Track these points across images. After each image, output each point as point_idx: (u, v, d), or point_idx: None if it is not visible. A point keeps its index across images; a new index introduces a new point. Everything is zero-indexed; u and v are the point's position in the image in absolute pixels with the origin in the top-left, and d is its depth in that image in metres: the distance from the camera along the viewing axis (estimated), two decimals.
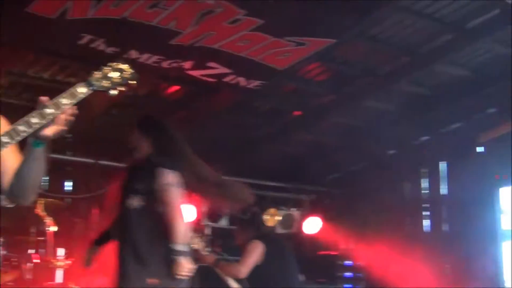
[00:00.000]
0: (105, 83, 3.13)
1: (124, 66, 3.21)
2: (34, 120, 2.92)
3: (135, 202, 4.98)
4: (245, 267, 6.43)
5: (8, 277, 7.17)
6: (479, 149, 8.95)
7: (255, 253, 6.48)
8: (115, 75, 3.15)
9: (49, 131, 2.98)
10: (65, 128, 3.00)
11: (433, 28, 6.78)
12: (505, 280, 8.93)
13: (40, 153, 3.06)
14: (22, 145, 3.02)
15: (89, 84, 3.07)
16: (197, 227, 9.06)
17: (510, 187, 9.22)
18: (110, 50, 6.48)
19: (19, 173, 3.09)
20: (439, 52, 7.19)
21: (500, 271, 8.67)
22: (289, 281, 6.65)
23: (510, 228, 10.15)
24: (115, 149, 8.50)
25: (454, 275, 8.89)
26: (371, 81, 7.93)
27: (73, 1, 5.70)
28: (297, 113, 8.99)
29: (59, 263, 7.54)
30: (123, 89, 3.20)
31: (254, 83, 7.45)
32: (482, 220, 8.64)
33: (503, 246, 8.85)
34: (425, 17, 6.55)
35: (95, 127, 8.46)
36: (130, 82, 3.19)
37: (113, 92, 3.17)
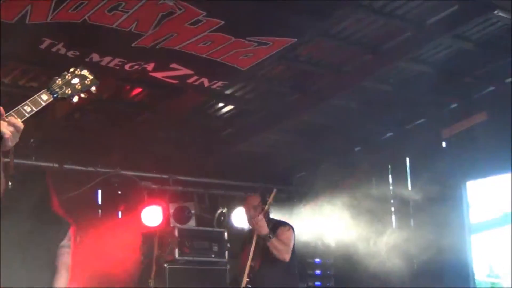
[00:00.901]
0: (67, 91, 3.10)
1: (85, 72, 3.18)
2: None
3: None
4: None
5: None
6: (444, 144, 9.02)
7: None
8: (76, 81, 3.12)
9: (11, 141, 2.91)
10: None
11: (394, 25, 6.82)
12: (474, 273, 9.02)
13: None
14: None
15: (51, 92, 3.03)
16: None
17: (476, 181, 9.32)
18: (71, 54, 6.41)
19: None
20: (401, 49, 7.24)
21: (469, 265, 8.75)
22: None
23: (478, 222, 10.27)
24: (79, 153, 8.45)
25: (423, 270, 8.96)
26: (334, 79, 7.95)
27: (32, 5, 5.63)
28: (261, 112, 8.98)
29: None
30: (84, 96, 3.17)
31: (217, 84, 7.43)
32: (450, 215, 8.71)
33: (471, 239, 8.94)
34: (386, 15, 6.60)
35: (58, 131, 8.38)
36: (91, 89, 3.17)
37: (75, 99, 3.14)
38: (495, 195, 11.30)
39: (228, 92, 8.13)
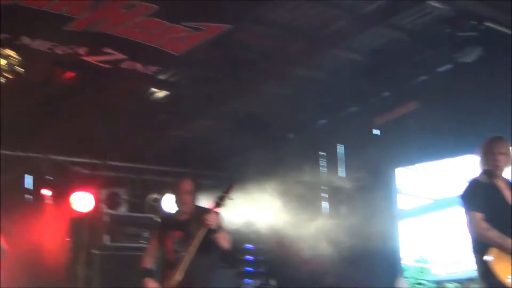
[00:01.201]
0: None
1: (11, 53, 3.09)
2: None
3: None
4: None
5: None
6: (375, 132, 9.12)
7: None
8: (2, 62, 3.04)
9: None
10: None
11: (328, 13, 6.84)
12: (402, 258, 9.19)
13: None
14: None
15: None
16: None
17: (405, 168, 9.48)
18: (1, 36, 6.23)
19: None
20: (336, 37, 7.27)
21: (397, 250, 8.90)
22: None
23: (406, 208, 10.45)
24: (8, 137, 8.25)
25: (352, 256, 9.06)
26: (269, 66, 7.94)
27: None
28: (196, 98, 8.92)
29: None
30: (10, 76, 3.08)
31: (152, 69, 7.36)
32: (379, 201, 8.83)
33: (399, 225, 9.09)
34: (322, 3, 6.60)
35: None
36: (17, 69, 3.08)
37: (1, 79, 3.06)
38: (424, 182, 11.54)
39: (162, 77, 8.04)
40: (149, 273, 6.27)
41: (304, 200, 9.43)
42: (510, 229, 5.45)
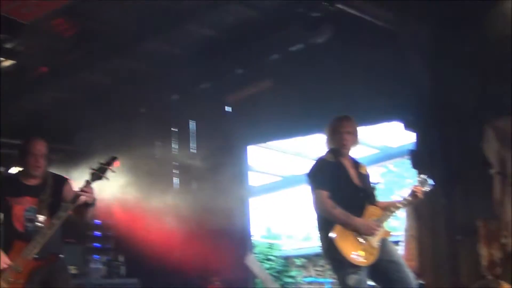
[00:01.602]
0: None
1: None
2: None
3: None
4: None
5: None
6: (228, 109, 9.14)
7: None
8: None
9: None
10: None
11: None
12: (252, 234, 9.29)
13: None
14: None
15: None
16: None
17: (257, 146, 9.57)
18: None
19: None
20: (189, 12, 7.18)
21: (247, 226, 8.99)
22: None
23: (256, 185, 10.57)
24: None
25: (204, 231, 9.08)
26: (121, 40, 7.75)
27: None
28: (43, 69, 8.58)
29: None
30: None
31: None
32: (230, 178, 8.87)
33: (250, 202, 9.19)
34: None
35: None
36: None
37: None
38: (274, 160, 11.70)
39: (9, 46, 7.65)
40: None
41: (155, 175, 9.34)
42: (354, 207, 5.60)
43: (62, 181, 5.79)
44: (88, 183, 5.39)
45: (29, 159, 5.64)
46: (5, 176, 5.76)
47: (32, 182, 5.70)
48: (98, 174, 5.42)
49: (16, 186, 5.70)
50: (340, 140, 5.81)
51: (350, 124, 5.90)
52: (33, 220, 5.55)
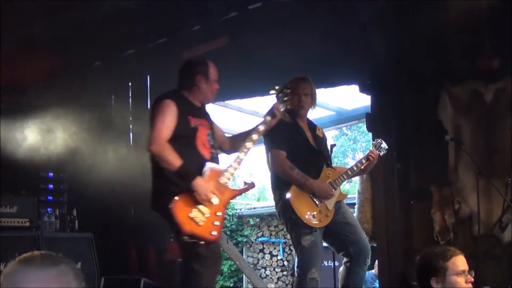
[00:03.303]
0: None
1: None
2: None
3: None
4: None
5: None
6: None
7: None
8: None
9: None
10: None
11: None
12: None
13: None
14: None
15: None
16: None
17: (215, 104, 9.46)
18: None
19: None
20: None
21: None
22: None
23: None
24: None
25: None
26: None
27: None
28: None
29: None
30: None
31: None
32: None
33: None
34: None
35: None
36: None
37: None
38: (232, 119, 11.63)
39: None
40: None
41: (110, 129, 9.24)
42: (311, 169, 5.59)
43: None
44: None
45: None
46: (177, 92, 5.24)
47: (198, 104, 5.27)
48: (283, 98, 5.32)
49: (191, 105, 5.21)
50: (298, 101, 5.78)
51: (308, 85, 5.87)
52: (214, 146, 5.19)
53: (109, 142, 9.01)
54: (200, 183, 4.73)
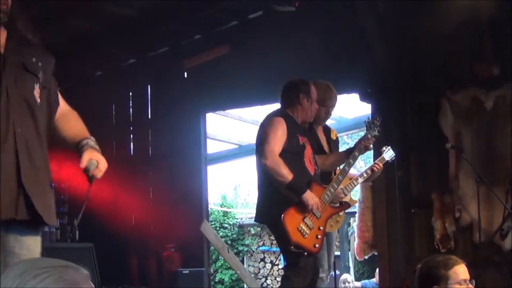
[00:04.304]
0: None
1: None
2: None
3: None
4: None
5: None
6: (185, 74, 9.03)
7: None
8: None
9: None
10: None
11: None
12: (208, 202, 9.23)
13: None
14: None
15: None
16: None
17: (215, 113, 9.49)
18: None
19: None
20: None
21: (204, 195, 8.92)
22: None
23: (213, 152, 10.50)
24: None
25: (159, 198, 9.02)
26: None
27: None
28: None
29: None
30: None
31: None
32: (187, 144, 8.81)
33: (207, 169, 9.12)
34: None
35: None
36: None
37: None
38: (232, 127, 11.63)
39: None
40: None
41: (110, 139, 9.23)
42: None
43: None
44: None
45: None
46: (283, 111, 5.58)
47: (300, 122, 5.59)
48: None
49: (296, 124, 5.55)
50: (326, 113, 5.97)
51: (336, 98, 6.04)
52: (317, 163, 5.53)
53: (109, 153, 8.98)
54: (311, 196, 5.09)
